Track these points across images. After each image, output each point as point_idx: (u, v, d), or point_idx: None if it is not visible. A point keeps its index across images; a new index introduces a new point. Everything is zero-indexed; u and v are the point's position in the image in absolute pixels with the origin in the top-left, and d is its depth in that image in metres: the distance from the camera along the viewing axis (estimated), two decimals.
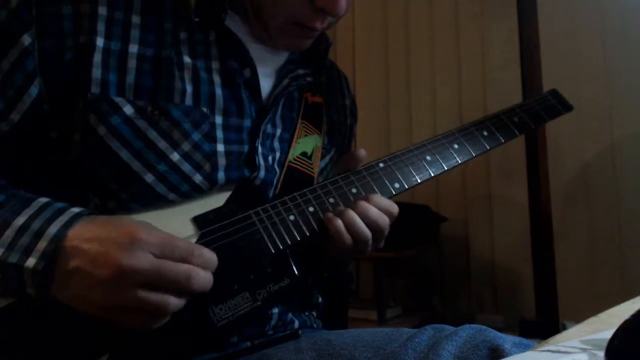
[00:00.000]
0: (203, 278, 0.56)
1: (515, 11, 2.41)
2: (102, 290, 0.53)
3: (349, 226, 0.69)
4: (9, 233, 0.56)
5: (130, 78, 0.65)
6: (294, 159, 0.78)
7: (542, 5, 2.34)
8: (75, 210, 0.58)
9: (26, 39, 0.62)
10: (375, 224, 0.70)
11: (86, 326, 0.57)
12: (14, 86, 0.62)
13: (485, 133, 0.83)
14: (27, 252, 0.54)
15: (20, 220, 0.56)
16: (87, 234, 0.55)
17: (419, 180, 0.76)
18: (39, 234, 0.55)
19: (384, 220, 0.71)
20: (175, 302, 0.55)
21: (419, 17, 2.70)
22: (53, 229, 0.55)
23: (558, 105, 0.92)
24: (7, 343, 0.57)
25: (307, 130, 0.82)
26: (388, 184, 0.74)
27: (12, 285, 0.55)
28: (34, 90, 0.62)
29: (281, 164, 0.77)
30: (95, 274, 0.53)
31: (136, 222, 0.57)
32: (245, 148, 0.71)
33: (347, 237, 0.69)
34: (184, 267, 0.55)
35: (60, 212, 0.58)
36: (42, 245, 0.54)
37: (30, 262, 0.54)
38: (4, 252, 0.55)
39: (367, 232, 0.70)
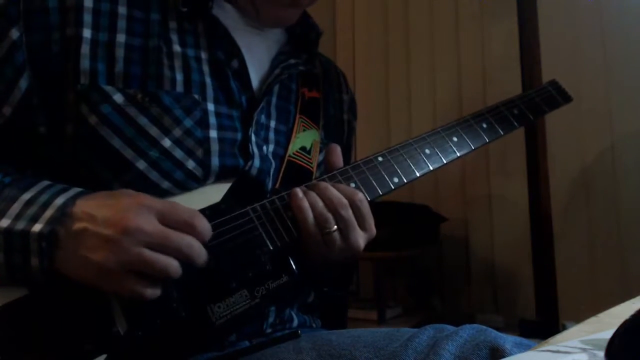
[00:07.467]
0: (203, 251, 0.58)
1: (515, 11, 2.41)
2: (107, 248, 0.54)
3: (312, 204, 0.66)
4: (16, 206, 0.58)
5: (119, 67, 0.65)
6: (294, 154, 0.78)
7: (542, 5, 2.34)
8: (79, 189, 0.61)
9: (14, 33, 0.63)
10: (332, 205, 0.67)
11: (85, 325, 0.57)
12: (4, 80, 0.63)
13: (484, 125, 0.83)
14: (34, 219, 0.56)
15: (27, 196, 0.59)
16: (95, 201, 0.58)
17: (418, 174, 0.76)
18: (45, 205, 0.57)
19: (341, 201, 0.67)
20: (177, 266, 0.56)
21: (419, 17, 2.70)
22: (60, 200, 0.58)
23: (557, 96, 0.91)
24: (5, 342, 0.57)
25: (305, 125, 0.82)
26: (387, 178, 0.73)
27: (16, 257, 0.56)
28: (23, 83, 0.64)
29: (279, 156, 0.77)
30: (102, 234, 0.54)
31: (140, 192, 0.59)
32: (239, 136, 0.71)
33: (309, 216, 0.66)
34: (187, 237, 0.57)
35: (65, 189, 0.60)
36: (49, 213, 0.56)
37: (37, 227, 0.55)
38: (11, 222, 0.56)
39: (330, 209, 0.67)
